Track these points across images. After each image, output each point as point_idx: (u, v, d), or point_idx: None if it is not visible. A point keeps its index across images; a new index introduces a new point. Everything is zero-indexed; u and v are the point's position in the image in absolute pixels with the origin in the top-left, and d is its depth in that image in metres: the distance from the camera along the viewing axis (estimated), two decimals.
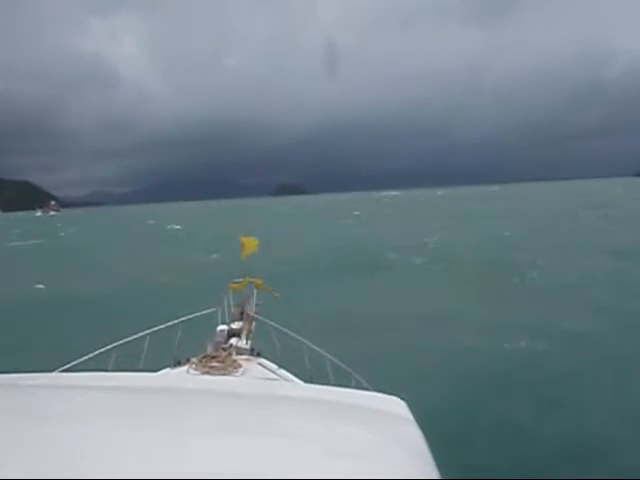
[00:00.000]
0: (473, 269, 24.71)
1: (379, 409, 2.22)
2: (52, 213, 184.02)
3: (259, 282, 5.86)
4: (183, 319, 5.20)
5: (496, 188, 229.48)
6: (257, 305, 5.67)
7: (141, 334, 4.91)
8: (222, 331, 5.08)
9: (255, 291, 5.80)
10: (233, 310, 5.53)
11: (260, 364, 4.65)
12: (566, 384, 10.51)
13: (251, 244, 5.96)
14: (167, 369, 4.38)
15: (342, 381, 4.12)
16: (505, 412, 9.16)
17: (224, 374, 4.17)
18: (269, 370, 4.54)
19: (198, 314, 5.39)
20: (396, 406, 2.31)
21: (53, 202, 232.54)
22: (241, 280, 5.78)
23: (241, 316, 5.44)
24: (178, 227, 64.80)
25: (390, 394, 2.52)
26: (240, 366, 4.39)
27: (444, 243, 34.70)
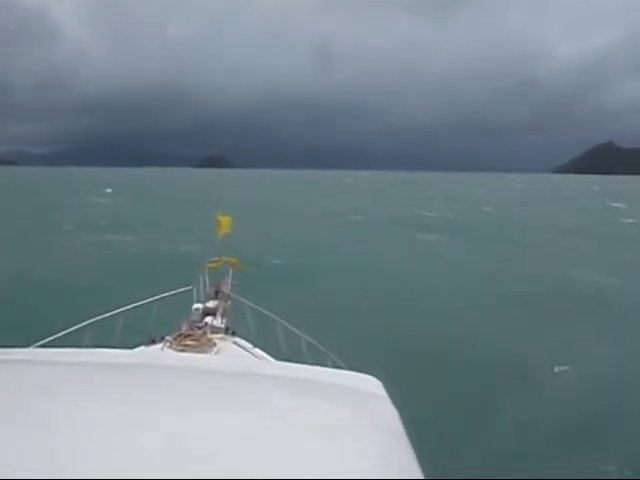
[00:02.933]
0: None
1: (354, 387, 2.21)
2: None
3: (235, 261, 5.84)
4: (158, 297, 5.19)
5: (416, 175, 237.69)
6: (233, 284, 5.65)
7: (116, 311, 4.86)
8: (197, 310, 5.04)
9: (231, 270, 5.76)
10: (209, 289, 5.49)
11: (235, 343, 4.64)
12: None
13: (226, 223, 5.89)
14: (142, 347, 4.34)
15: (318, 361, 4.14)
16: (486, 397, 9.50)
17: (199, 352, 4.14)
18: (244, 349, 4.53)
19: (173, 292, 5.39)
20: (371, 385, 2.30)
21: None
22: (217, 259, 5.74)
23: (217, 295, 5.42)
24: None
25: (366, 373, 2.52)
26: (215, 345, 4.38)
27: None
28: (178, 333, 4.54)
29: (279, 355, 4.40)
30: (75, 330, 4.44)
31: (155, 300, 5.13)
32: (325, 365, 3.95)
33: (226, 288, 5.52)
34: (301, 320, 5.26)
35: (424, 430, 3.54)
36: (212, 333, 4.67)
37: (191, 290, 5.41)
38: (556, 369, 10.82)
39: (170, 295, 5.32)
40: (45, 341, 4.03)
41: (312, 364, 3.29)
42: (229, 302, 5.38)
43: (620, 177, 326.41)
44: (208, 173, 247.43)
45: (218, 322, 4.98)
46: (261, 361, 4.11)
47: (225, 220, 5.91)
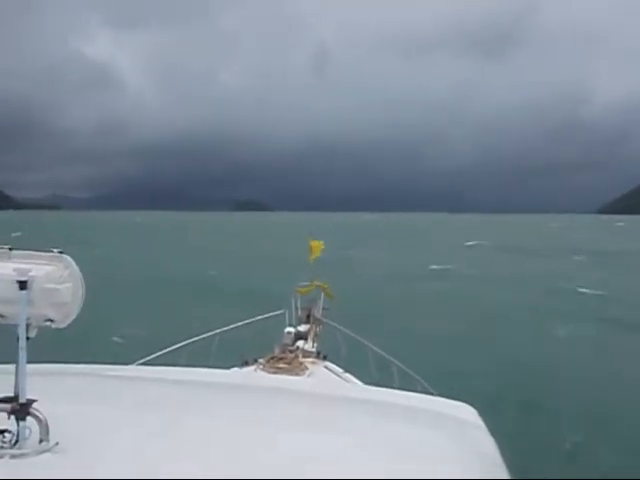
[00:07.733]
0: None
1: (447, 414, 2.15)
2: None
3: (326, 286, 5.89)
4: (252, 320, 5.28)
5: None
6: (324, 309, 5.66)
7: (211, 333, 5.02)
8: (289, 333, 5.12)
9: (322, 295, 5.75)
10: (300, 313, 5.58)
11: (326, 367, 4.66)
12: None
13: (317, 247, 5.93)
14: (235, 368, 4.42)
15: (408, 386, 4.08)
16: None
17: (291, 375, 4.18)
18: (335, 373, 4.55)
19: (266, 316, 5.53)
20: (466, 412, 2.23)
21: None
22: (308, 284, 5.81)
23: (308, 319, 5.50)
24: None
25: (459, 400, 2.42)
26: (306, 368, 4.42)
27: None
28: (271, 356, 4.60)
29: (369, 380, 4.37)
30: (173, 350, 4.60)
31: (248, 323, 5.23)
32: (415, 391, 3.87)
33: (317, 312, 5.57)
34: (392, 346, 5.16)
35: (523, 461, 3.32)
36: (304, 357, 4.71)
37: (283, 314, 5.48)
38: None
39: (263, 318, 5.45)
40: (146, 359, 4.21)
41: (402, 389, 3.24)
42: (320, 326, 5.44)
43: None
44: (244, 216, 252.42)
45: (309, 346, 5.03)
46: (352, 385, 4.10)
47: (316, 245, 6.02)
